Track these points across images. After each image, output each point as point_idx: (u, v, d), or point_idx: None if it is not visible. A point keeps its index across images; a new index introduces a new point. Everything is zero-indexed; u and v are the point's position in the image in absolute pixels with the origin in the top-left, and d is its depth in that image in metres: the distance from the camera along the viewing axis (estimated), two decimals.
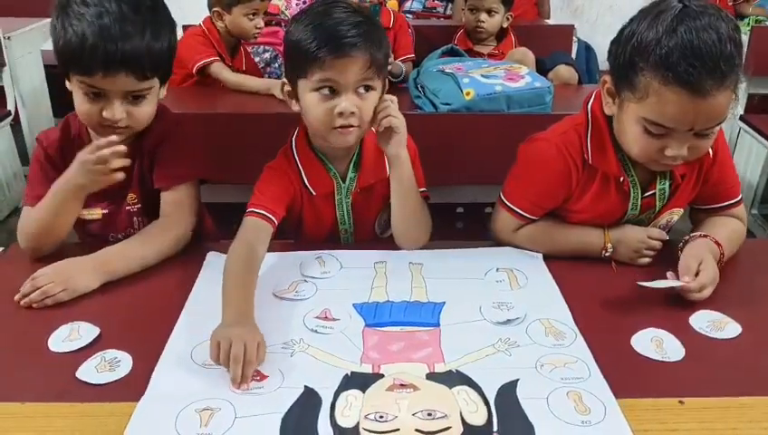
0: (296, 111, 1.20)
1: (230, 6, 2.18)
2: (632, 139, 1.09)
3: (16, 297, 1.05)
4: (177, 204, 1.22)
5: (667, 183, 1.19)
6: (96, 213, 1.26)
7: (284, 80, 1.20)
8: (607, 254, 1.18)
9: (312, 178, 1.23)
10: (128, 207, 1.27)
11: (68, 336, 0.97)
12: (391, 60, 2.12)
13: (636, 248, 1.16)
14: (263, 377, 0.89)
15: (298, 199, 1.25)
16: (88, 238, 1.30)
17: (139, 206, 1.27)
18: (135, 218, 1.28)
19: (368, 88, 1.13)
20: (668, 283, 1.06)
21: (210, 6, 2.23)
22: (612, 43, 1.08)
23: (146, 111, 1.16)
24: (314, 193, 1.24)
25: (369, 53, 1.10)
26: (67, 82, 1.15)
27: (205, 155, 1.31)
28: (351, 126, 1.13)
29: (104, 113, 1.11)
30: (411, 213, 1.22)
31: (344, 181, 1.25)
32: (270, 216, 1.17)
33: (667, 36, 0.98)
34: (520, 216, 1.22)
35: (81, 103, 1.13)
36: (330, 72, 1.09)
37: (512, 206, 1.22)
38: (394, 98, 1.17)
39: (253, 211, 1.17)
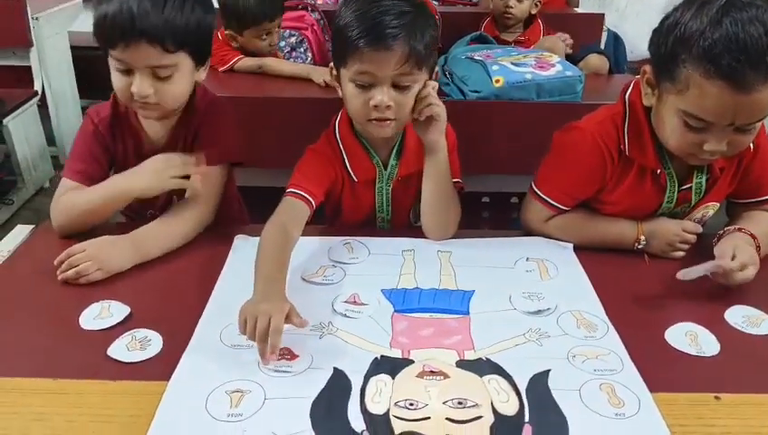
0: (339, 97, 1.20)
1: (241, 30, 2.16)
2: (670, 131, 1.06)
3: (55, 262, 1.06)
4: (206, 182, 1.22)
5: (704, 177, 1.16)
6: None
7: (332, 64, 1.19)
8: (639, 246, 1.16)
9: (355, 164, 1.23)
10: None
11: (99, 314, 0.98)
12: None
13: (670, 241, 1.14)
14: (293, 356, 0.89)
15: (338, 184, 1.25)
16: (126, 211, 1.32)
17: None
18: (174, 197, 1.28)
19: (407, 81, 1.10)
20: (706, 267, 1.03)
21: (224, 27, 2.22)
22: (654, 32, 1.05)
23: (175, 89, 1.15)
24: (356, 180, 1.24)
25: (408, 45, 1.07)
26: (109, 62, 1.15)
27: (241, 139, 1.31)
28: (388, 119, 1.11)
29: (132, 88, 1.11)
30: (442, 201, 1.20)
31: (386, 169, 1.24)
32: (309, 197, 1.16)
33: (711, 28, 0.95)
34: (552, 206, 1.20)
35: (114, 80, 1.14)
36: (366, 64, 1.08)
37: (543, 196, 1.20)
38: (435, 84, 1.15)
39: (292, 192, 1.16)
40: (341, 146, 1.23)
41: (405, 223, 1.32)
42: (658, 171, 1.15)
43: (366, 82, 1.09)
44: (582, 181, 1.19)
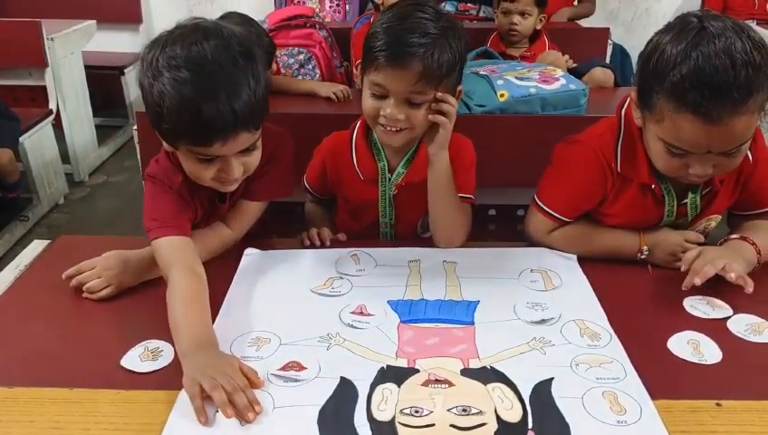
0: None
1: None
2: (656, 156, 1.09)
3: (64, 275, 1.08)
4: (244, 218, 1.21)
5: (699, 195, 1.17)
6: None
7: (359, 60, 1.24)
8: (642, 257, 1.17)
9: (361, 160, 1.29)
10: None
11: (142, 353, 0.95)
12: None
13: (672, 252, 1.16)
14: (301, 368, 0.91)
15: (344, 179, 1.32)
16: None
17: None
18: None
19: (419, 99, 1.12)
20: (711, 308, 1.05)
21: None
22: (639, 56, 1.07)
23: (257, 156, 1.10)
24: (362, 177, 1.29)
25: (423, 65, 1.08)
26: (164, 144, 1.08)
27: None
28: (397, 128, 1.14)
29: (222, 174, 1.06)
30: (445, 213, 1.22)
31: (392, 174, 1.28)
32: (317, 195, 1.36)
33: (680, 62, 0.96)
34: (554, 218, 1.22)
35: (193, 168, 1.06)
36: (381, 77, 1.11)
37: (546, 208, 1.22)
38: (452, 100, 1.14)
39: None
40: (354, 142, 1.30)
41: (411, 234, 1.34)
42: (653, 186, 1.16)
43: (380, 93, 1.13)
44: (583, 193, 1.21)
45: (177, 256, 1.05)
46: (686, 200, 1.17)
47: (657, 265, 1.17)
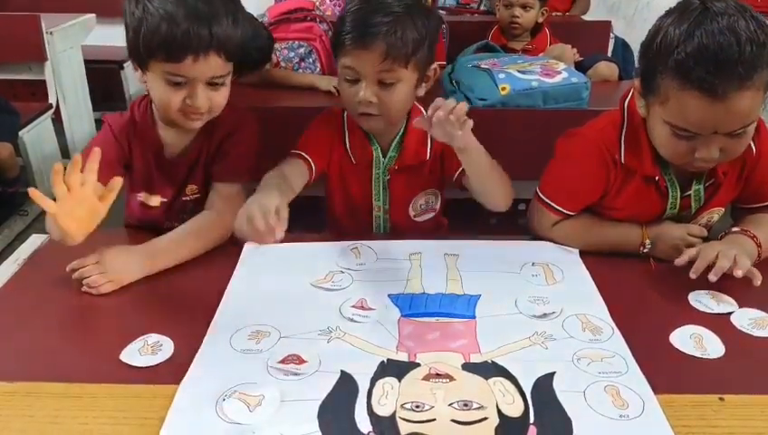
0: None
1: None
2: (661, 141, 1.08)
3: (67, 268, 1.07)
4: (229, 200, 1.21)
5: (703, 185, 1.17)
6: (156, 201, 1.28)
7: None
8: (645, 250, 1.16)
9: (354, 144, 1.29)
10: (185, 198, 1.29)
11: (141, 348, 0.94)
12: None
13: (674, 245, 1.15)
14: (301, 361, 0.90)
15: (336, 161, 1.29)
16: (140, 222, 1.32)
17: (198, 196, 1.28)
18: (190, 206, 1.29)
19: (390, 79, 1.15)
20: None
21: None
22: (641, 45, 1.08)
23: (224, 96, 1.16)
24: (354, 161, 1.28)
25: (387, 43, 1.11)
26: (137, 73, 1.14)
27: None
28: (373, 114, 1.16)
29: (188, 101, 1.11)
30: (494, 184, 1.20)
31: (384, 157, 1.28)
32: (310, 160, 1.24)
33: (684, 41, 0.97)
34: (557, 211, 1.21)
35: (162, 93, 1.12)
36: (349, 60, 1.14)
37: (548, 201, 1.22)
38: (459, 108, 1.04)
39: (295, 152, 1.24)
40: (346, 125, 1.29)
41: (404, 217, 1.34)
42: (657, 178, 1.15)
43: (352, 76, 1.16)
44: (585, 187, 1.20)
45: None
46: (689, 192, 1.17)
47: (660, 258, 1.17)
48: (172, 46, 1.05)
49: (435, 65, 1.22)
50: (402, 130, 1.27)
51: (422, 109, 1.27)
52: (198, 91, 1.11)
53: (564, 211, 1.21)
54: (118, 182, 1.00)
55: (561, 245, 1.21)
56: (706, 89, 0.95)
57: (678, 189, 1.17)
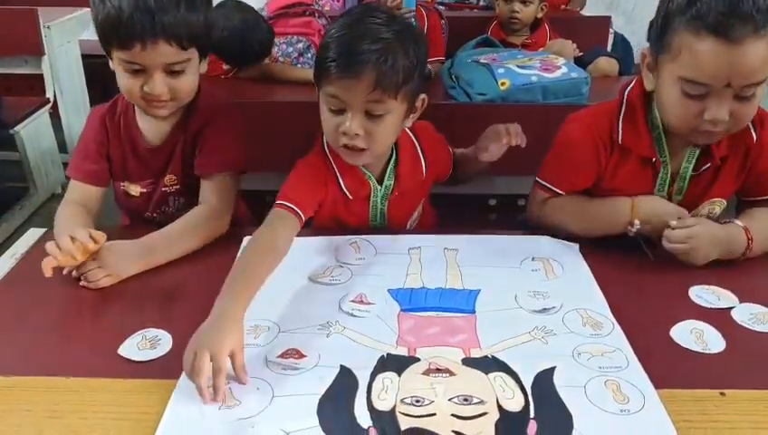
0: None
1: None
2: (671, 105, 1.08)
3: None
4: (221, 192, 1.22)
5: (692, 164, 1.16)
6: (136, 190, 1.30)
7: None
8: (633, 230, 1.14)
9: (349, 180, 1.20)
10: (164, 188, 1.29)
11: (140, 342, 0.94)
12: None
13: (667, 222, 1.11)
14: (300, 356, 0.90)
15: (330, 201, 1.21)
16: (128, 211, 1.35)
17: (178, 187, 1.29)
18: (171, 198, 1.30)
19: (379, 110, 1.06)
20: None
21: None
22: (651, 22, 1.09)
23: (187, 83, 1.16)
24: (351, 197, 1.21)
25: (376, 73, 1.02)
26: (110, 63, 1.16)
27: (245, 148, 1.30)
28: (359, 148, 1.08)
29: (145, 88, 1.12)
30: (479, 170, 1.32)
31: (380, 185, 1.22)
32: (299, 211, 1.12)
33: None
34: (549, 190, 1.24)
35: (122, 80, 1.14)
36: (335, 89, 1.05)
37: (542, 182, 1.25)
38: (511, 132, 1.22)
39: (282, 204, 1.12)
40: (333, 162, 1.19)
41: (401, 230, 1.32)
42: (653, 160, 1.16)
43: (336, 106, 1.07)
44: (577, 169, 1.22)
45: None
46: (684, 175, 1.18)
47: (655, 246, 1.15)
48: (120, 34, 1.07)
49: (423, 96, 1.15)
50: (394, 154, 1.22)
51: (409, 132, 1.24)
52: (155, 78, 1.11)
53: (556, 190, 1.23)
54: (102, 237, 1.05)
55: (552, 222, 1.23)
56: (722, 33, 0.96)
57: (670, 170, 1.17)
